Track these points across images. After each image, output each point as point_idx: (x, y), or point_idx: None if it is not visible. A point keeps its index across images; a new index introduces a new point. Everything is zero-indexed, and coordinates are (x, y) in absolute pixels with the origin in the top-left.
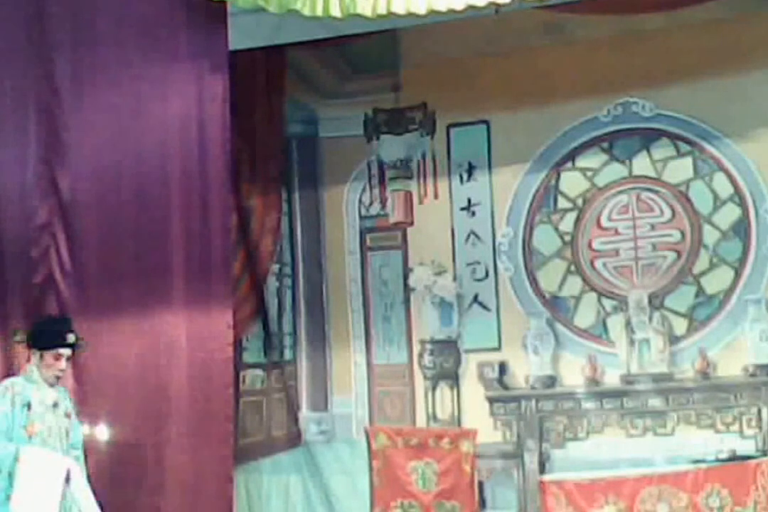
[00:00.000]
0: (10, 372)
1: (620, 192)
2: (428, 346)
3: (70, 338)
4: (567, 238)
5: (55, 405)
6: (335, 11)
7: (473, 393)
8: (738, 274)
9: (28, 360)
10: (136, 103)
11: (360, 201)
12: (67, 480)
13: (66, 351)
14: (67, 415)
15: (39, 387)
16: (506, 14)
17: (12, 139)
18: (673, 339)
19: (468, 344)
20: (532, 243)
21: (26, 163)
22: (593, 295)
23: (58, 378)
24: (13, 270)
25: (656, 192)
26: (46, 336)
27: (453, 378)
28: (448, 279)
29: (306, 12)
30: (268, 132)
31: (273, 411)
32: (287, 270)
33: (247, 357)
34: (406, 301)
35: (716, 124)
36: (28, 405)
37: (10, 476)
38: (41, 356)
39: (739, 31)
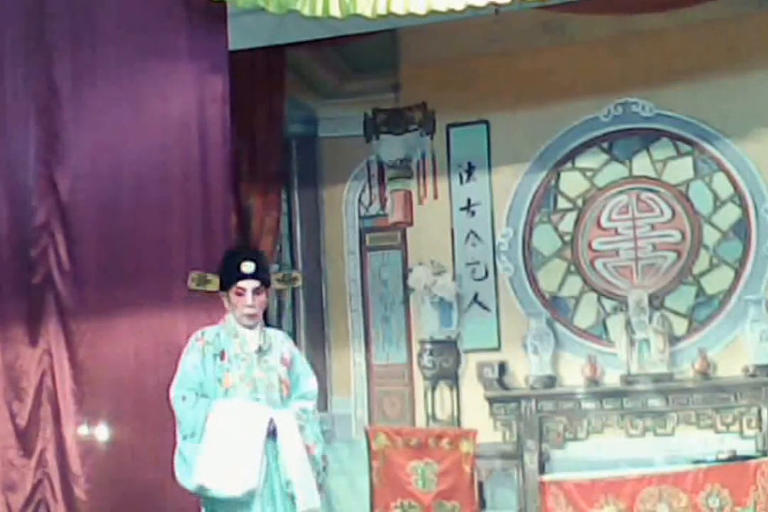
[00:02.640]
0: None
1: (620, 192)
2: (428, 346)
3: (247, 267)
4: (567, 238)
5: (260, 350)
6: (335, 11)
7: (473, 394)
8: (738, 275)
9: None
10: (136, 103)
11: (359, 201)
12: (274, 434)
13: (247, 283)
14: (284, 362)
15: (237, 334)
16: (506, 14)
17: (11, 139)
18: (673, 340)
19: (467, 344)
20: (532, 243)
21: (25, 163)
22: (593, 295)
23: (250, 316)
24: (12, 271)
25: (656, 192)
26: (223, 273)
27: (452, 378)
28: (448, 279)
29: (306, 12)
30: (268, 132)
31: None
32: (287, 270)
33: None
34: (406, 301)
35: (716, 124)
36: (221, 355)
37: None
38: (228, 298)
39: (739, 31)
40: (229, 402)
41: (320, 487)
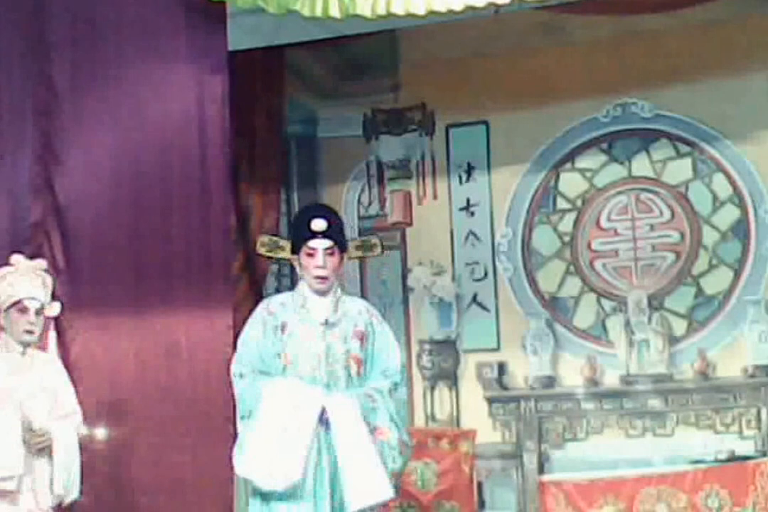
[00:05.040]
0: None
1: (619, 192)
2: (427, 346)
3: (317, 225)
4: (566, 238)
5: (327, 323)
6: (334, 12)
7: (472, 394)
8: (737, 275)
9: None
10: (135, 103)
11: (359, 201)
12: (325, 422)
13: (318, 243)
14: (357, 335)
15: (305, 303)
16: (505, 14)
17: (9, 139)
18: (673, 340)
19: (467, 344)
20: (531, 243)
21: (22, 163)
22: (592, 296)
23: (321, 279)
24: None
25: (655, 193)
26: (293, 234)
27: (452, 378)
28: (447, 280)
29: (305, 12)
30: (268, 132)
31: None
32: (286, 270)
33: None
34: (405, 301)
35: (716, 124)
36: (283, 327)
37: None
38: (300, 262)
39: (739, 31)
40: (281, 383)
41: (398, 475)
